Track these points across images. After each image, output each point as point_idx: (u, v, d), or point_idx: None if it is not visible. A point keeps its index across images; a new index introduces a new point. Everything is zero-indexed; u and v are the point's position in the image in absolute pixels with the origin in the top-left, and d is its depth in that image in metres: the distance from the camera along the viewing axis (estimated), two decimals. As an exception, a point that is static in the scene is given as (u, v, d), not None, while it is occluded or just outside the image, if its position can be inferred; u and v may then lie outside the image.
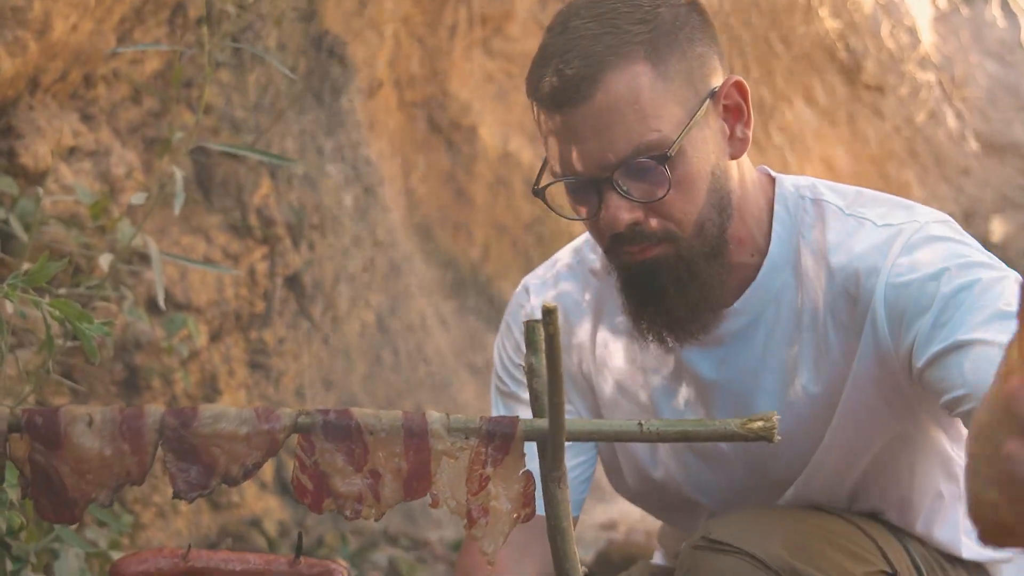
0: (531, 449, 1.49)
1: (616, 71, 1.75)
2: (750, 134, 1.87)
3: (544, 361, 1.45)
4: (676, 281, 1.80)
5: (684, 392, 2.00)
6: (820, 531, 1.88)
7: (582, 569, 1.47)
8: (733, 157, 1.85)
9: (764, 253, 1.89)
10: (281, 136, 3.90)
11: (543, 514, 1.49)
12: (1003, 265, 1.79)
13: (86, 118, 3.14)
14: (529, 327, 1.46)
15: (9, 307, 2.21)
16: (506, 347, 2.11)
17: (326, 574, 1.50)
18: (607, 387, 2.03)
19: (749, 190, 1.89)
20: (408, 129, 4.85)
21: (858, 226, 1.85)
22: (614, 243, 1.84)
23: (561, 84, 1.75)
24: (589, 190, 1.81)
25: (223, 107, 3.63)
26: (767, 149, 5.74)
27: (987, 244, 2.44)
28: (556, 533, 1.45)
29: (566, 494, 1.46)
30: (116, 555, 2.54)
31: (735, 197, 1.86)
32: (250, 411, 1.42)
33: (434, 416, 1.45)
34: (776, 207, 1.90)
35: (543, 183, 1.86)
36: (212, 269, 3.01)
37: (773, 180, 1.93)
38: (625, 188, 1.77)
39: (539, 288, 2.08)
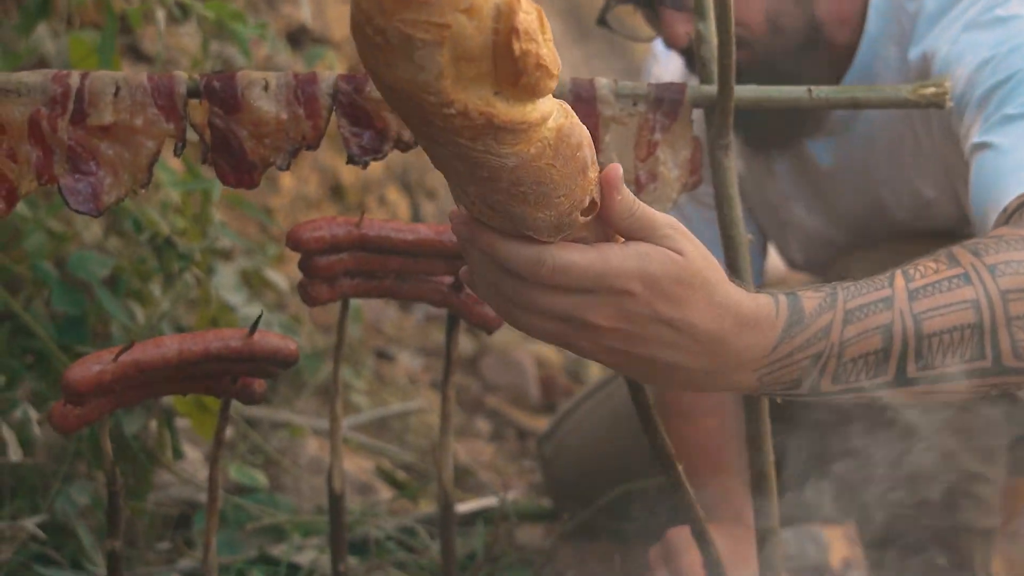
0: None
1: None
2: None
3: (712, 27, 1.42)
4: None
5: (803, 183, 1.96)
6: None
7: (747, 237, 1.47)
8: None
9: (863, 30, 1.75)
10: None
11: None
12: None
13: None
14: (698, -9, 1.43)
15: (161, 17, 2.23)
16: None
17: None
18: None
19: None
20: None
21: None
22: (687, 60, 1.76)
23: None
24: (648, 9, 1.71)
25: None
26: None
27: None
28: (723, 200, 1.45)
29: (732, 162, 1.45)
30: (271, 273, 2.62)
31: None
32: (420, 78, 1.42)
33: (602, 82, 1.44)
34: None
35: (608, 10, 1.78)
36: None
37: None
38: None
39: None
